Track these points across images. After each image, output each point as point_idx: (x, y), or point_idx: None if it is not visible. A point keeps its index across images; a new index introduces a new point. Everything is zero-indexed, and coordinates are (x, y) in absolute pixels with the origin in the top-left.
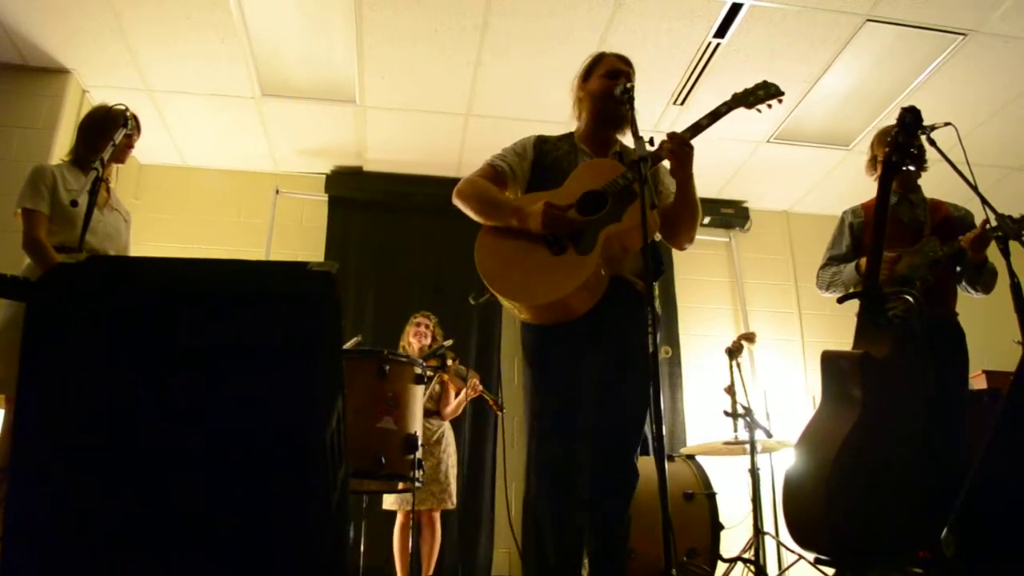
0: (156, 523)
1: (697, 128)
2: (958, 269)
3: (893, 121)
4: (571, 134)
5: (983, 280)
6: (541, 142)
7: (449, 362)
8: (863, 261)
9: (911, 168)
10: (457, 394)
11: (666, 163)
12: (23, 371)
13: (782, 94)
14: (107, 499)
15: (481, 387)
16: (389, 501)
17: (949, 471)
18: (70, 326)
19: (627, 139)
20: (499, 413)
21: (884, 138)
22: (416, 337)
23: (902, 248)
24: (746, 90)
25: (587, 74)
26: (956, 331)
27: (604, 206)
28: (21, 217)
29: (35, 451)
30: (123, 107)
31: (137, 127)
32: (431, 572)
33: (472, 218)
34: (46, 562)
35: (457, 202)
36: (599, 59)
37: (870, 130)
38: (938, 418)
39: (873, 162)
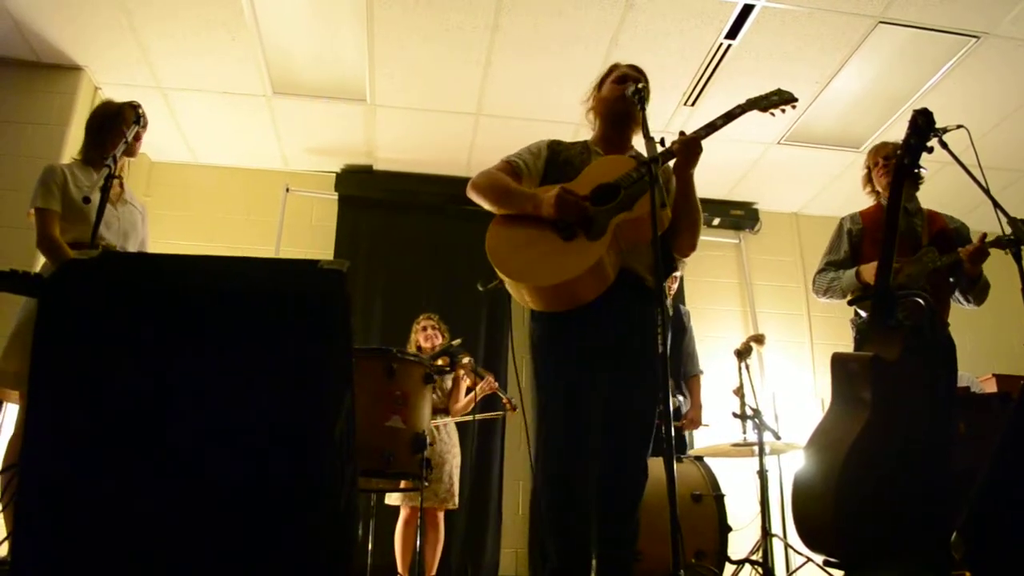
0: (164, 521)
1: (712, 127)
2: (951, 280)
3: (905, 123)
4: (585, 140)
5: (976, 292)
6: (555, 144)
7: (466, 360)
8: (862, 268)
9: (922, 170)
10: (469, 390)
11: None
12: (35, 367)
13: (796, 100)
14: (116, 497)
15: (496, 384)
16: (393, 497)
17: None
18: (82, 322)
19: (640, 143)
20: (512, 412)
21: (880, 151)
22: (427, 340)
23: (900, 258)
24: (761, 95)
25: (600, 84)
26: (948, 342)
27: (616, 197)
28: (35, 218)
29: (46, 448)
30: (126, 102)
31: (141, 120)
32: (434, 573)
33: (487, 208)
34: (55, 559)
35: (472, 194)
36: (611, 69)
37: (881, 132)
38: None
39: (868, 176)
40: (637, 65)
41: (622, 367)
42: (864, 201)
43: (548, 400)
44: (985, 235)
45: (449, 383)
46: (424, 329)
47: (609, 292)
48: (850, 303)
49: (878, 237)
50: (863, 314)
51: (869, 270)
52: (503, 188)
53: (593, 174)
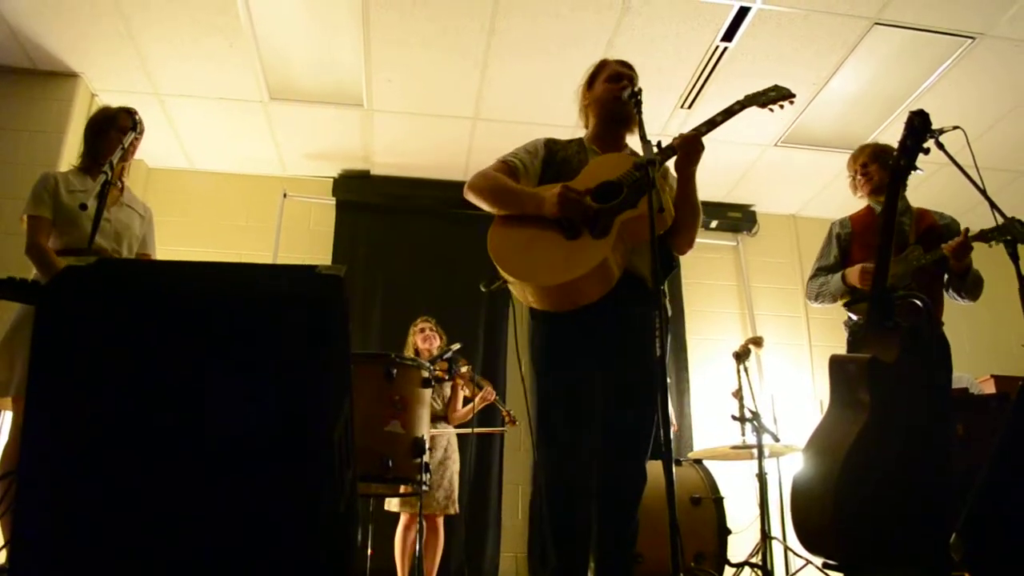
0: (163, 528)
1: (712, 124)
2: (945, 277)
3: (902, 124)
4: (580, 138)
5: (967, 287)
6: (551, 143)
7: (464, 368)
8: (847, 271)
9: (919, 171)
10: (468, 400)
11: (671, 167)
12: (32, 375)
13: (793, 96)
14: (114, 504)
15: (495, 395)
16: (392, 503)
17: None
18: (79, 329)
19: (636, 141)
20: (512, 425)
21: (859, 158)
22: (424, 342)
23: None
24: (758, 91)
25: (591, 81)
26: (941, 341)
27: (620, 195)
28: (25, 225)
29: (44, 456)
30: (122, 108)
31: (138, 127)
32: None
33: (485, 209)
34: (53, 568)
35: (470, 195)
36: (601, 66)
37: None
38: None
39: (854, 181)
40: (627, 61)
41: (621, 368)
42: (861, 204)
43: (548, 401)
44: (967, 230)
45: (448, 390)
46: (422, 331)
47: (610, 292)
48: (846, 306)
49: (867, 240)
50: (855, 317)
51: (854, 273)
52: (503, 189)
53: (593, 172)
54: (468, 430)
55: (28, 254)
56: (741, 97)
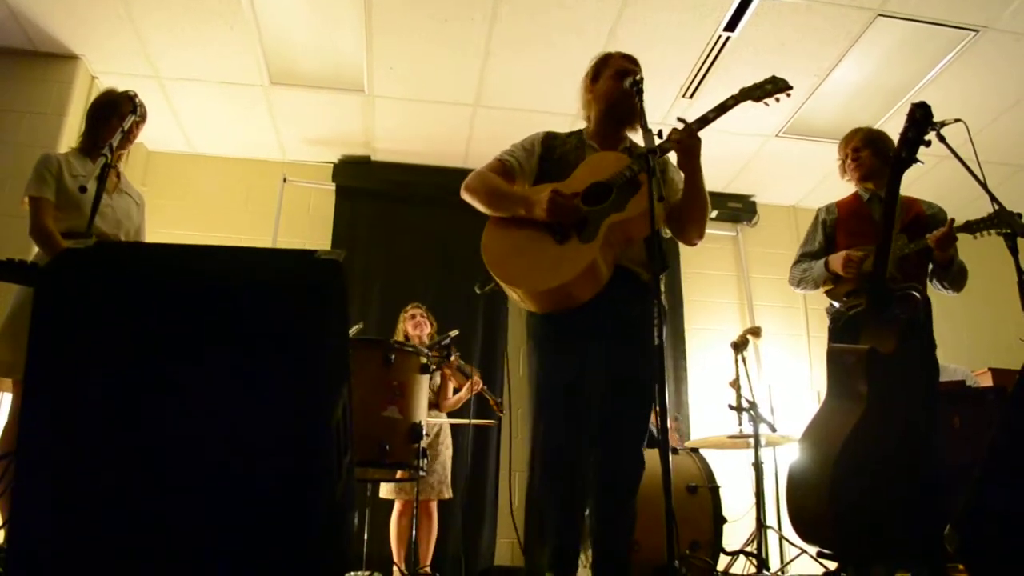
0: (160, 509)
1: (704, 121)
2: (930, 267)
3: (903, 116)
4: (580, 131)
5: (951, 278)
6: (550, 138)
7: (452, 356)
8: (831, 258)
9: (919, 163)
10: (457, 389)
11: (674, 158)
12: (31, 356)
13: (790, 88)
14: (111, 486)
15: (482, 385)
16: (386, 490)
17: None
18: (78, 312)
19: (636, 136)
20: (499, 414)
21: (850, 141)
22: (416, 328)
23: (871, 246)
24: (754, 84)
25: (595, 76)
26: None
27: (609, 197)
28: (28, 206)
29: (42, 438)
30: (124, 92)
31: (139, 111)
32: (429, 562)
33: (480, 210)
34: (50, 548)
35: (465, 195)
36: (606, 60)
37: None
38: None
39: (843, 164)
40: (631, 55)
41: (618, 361)
42: None
43: (546, 394)
44: (952, 220)
45: (438, 378)
46: (412, 317)
47: (604, 289)
48: (847, 295)
49: (852, 227)
50: (836, 305)
51: (836, 260)
52: (495, 191)
53: (586, 173)
54: (465, 420)
55: (33, 235)
56: (736, 91)
